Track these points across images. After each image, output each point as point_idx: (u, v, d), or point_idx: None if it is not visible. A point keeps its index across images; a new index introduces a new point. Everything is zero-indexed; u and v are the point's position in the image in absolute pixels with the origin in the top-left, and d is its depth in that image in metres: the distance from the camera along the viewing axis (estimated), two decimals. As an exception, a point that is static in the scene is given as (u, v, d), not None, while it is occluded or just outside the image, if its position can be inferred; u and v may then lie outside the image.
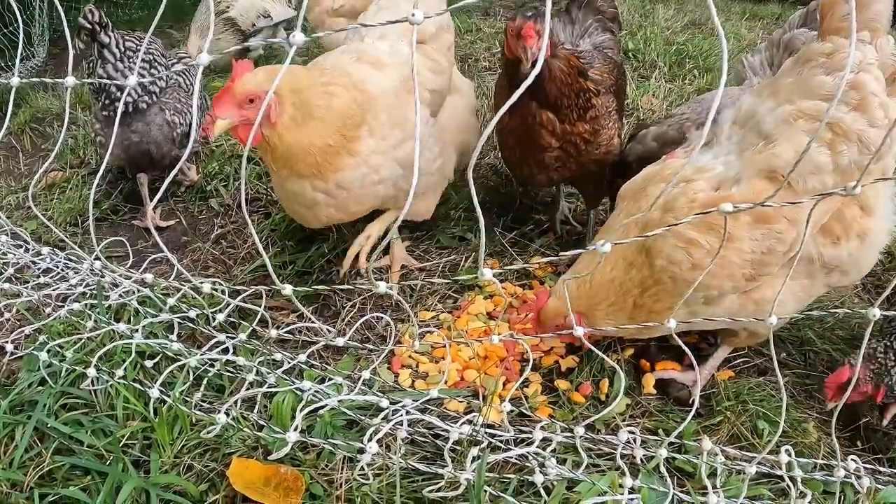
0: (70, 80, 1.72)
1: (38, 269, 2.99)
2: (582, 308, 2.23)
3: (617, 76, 2.84)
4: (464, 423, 2.16)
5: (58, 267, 2.98)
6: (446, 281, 1.70)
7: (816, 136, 1.90)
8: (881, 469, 2.13)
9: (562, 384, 2.39)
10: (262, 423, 2.17)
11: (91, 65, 3.12)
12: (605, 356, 1.91)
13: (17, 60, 2.03)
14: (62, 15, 1.74)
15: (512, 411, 2.24)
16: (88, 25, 2.97)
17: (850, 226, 2.05)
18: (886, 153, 1.98)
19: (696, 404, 1.97)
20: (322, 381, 2.36)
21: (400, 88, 2.49)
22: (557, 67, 2.51)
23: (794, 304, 2.17)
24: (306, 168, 2.30)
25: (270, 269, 1.60)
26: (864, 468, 2.08)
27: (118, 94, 3.01)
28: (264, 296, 2.64)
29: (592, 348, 1.87)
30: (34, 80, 2.06)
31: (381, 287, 1.55)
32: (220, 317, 2.33)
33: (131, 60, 3.03)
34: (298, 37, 1.33)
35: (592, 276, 2.19)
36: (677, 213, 2.01)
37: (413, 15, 1.31)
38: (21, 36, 1.98)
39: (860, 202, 2.05)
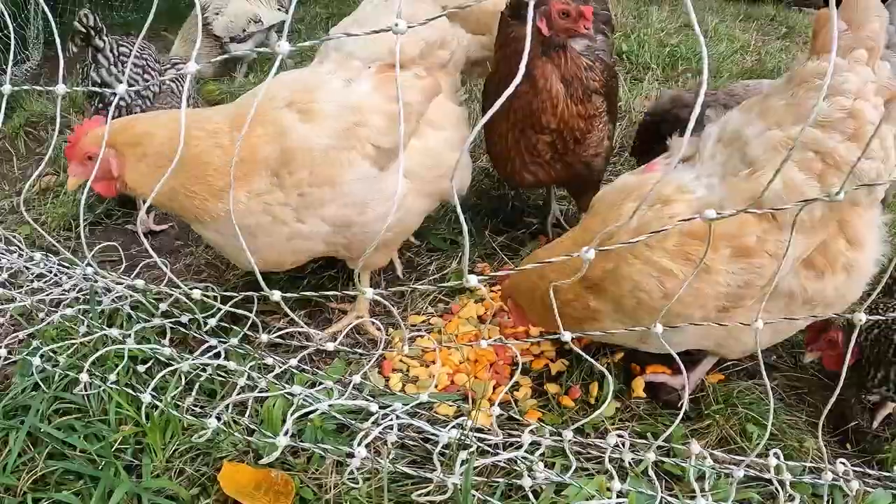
0: (60, 89, 1.73)
1: (32, 273, 2.99)
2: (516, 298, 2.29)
3: (607, 78, 2.84)
4: (453, 426, 2.17)
5: (51, 272, 2.98)
6: (432, 287, 1.70)
7: (805, 168, 1.84)
8: (870, 472, 2.14)
9: (551, 388, 2.40)
10: (252, 427, 2.17)
11: (85, 68, 3.13)
12: (593, 360, 1.92)
13: (10, 66, 2.04)
14: (52, 21, 1.75)
15: (501, 415, 2.25)
16: (83, 30, 2.98)
17: (835, 259, 1.96)
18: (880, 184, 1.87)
19: (686, 408, 1.98)
20: (313, 385, 2.37)
21: (332, 146, 2.22)
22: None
23: (771, 336, 2.13)
24: (185, 213, 2.28)
25: (259, 277, 1.61)
26: (854, 471, 2.08)
27: (112, 97, 3.02)
28: (255, 300, 2.65)
29: (580, 353, 1.88)
30: (25, 87, 2.07)
31: (369, 293, 1.57)
32: (212, 321, 2.34)
33: (125, 65, 3.04)
34: (284, 46, 1.34)
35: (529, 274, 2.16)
36: (654, 240, 1.91)
37: (396, 25, 1.23)
38: (13, 42, 1.99)
39: (847, 235, 1.97)
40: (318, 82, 2.33)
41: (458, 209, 1.28)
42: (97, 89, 1.79)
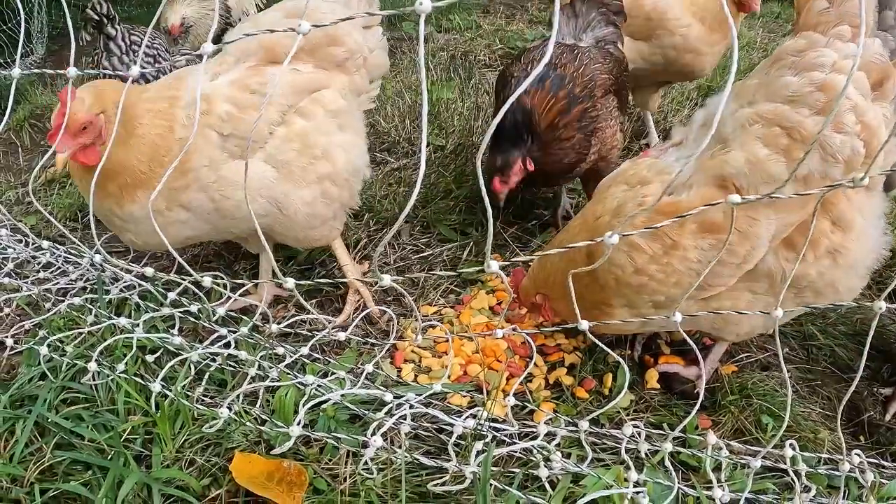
0: (72, 72, 1.71)
1: (39, 263, 2.97)
2: (541, 290, 2.26)
3: (617, 74, 2.82)
4: (468, 417, 2.15)
5: (58, 261, 2.96)
6: (451, 273, 1.69)
7: (771, 143, 1.80)
8: (885, 463, 2.12)
9: (566, 379, 2.38)
10: (264, 417, 2.15)
11: (95, 59, 3.13)
12: (609, 350, 1.91)
13: (19, 53, 2.02)
14: (65, 8, 1.73)
15: (516, 405, 2.23)
16: (96, 17, 2.97)
17: (817, 241, 1.90)
18: (857, 163, 1.77)
19: (701, 397, 1.96)
20: (325, 375, 2.35)
21: (186, 135, 2.23)
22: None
23: (760, 321, 2.10)
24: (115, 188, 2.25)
25: (273, 263, 1.60)
26: (868, 462, 2.07)
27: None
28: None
29: (597, 341, 1.86)
30: (35, 71, 2.05)
31: (386, 280, 1.54)
32: (221, 311, 2.32)
33: (136, 54, 3.03)
34: (207, 47, 1.31)
35: (546, 261, 2.20)
36: (626, 216, 1.93)
37: (300, 25, 1.29)
38: (22, 30, 1.96)
39: (832, 216, 1.90)
40: (186, 74, 2.42)
41: (482, 186, 1.25)
42: (110, 72, 1.76)
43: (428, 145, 3.83)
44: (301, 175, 2.39)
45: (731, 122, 1.90)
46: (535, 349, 2.35)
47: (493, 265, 1.44)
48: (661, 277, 1.94)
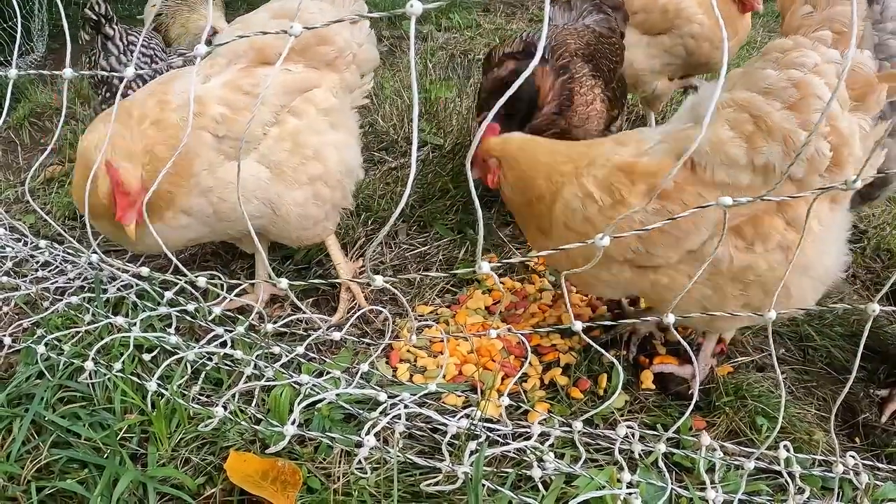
0: (68, 73, 1.72)
1: (37, 262, 2.98)
2: (505, 161, 2.29)
3: (593, 43, 2.88)
4: (461, 417, 2.16)
5: (56, 260, 2.97)
6: (444, 275, 1.69)
7: (736, 127, 1.83)
8: (880, 465, 2.12)
9: (561, 379, 2.39)
10: (259, 416, 2.16)
11: (92, 58, 3.13)
12: (604, 350, 1.91)
13: (16, 53, 2.02)
14: (61, 8, 1.73)
15: (510, 406, 2.23)
16: (94, 17, 2.97)
17: (767, 234, 1.91)
18: (821, 165, 1.79)
19: (696, 397, 1.96)
20: (320, 374, 2.35)
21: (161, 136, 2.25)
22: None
23: (696, 309, 2.06)
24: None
25: (266, 265, 1.60)
26: (863, 464, 2.07)
27: (119, 86, 3.01)
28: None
29: (591, 342, 1.87)
30: (31, 72, 2.05)
31: (378, 281, 1.55)
32: (217, 310, 2.33)
33: (134, 54, 3.04)
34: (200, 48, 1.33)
35: (527, 151, 2.25)
36: (596, 167, 2.04)
37: (291, 27, 1.30)
38: (20, 29, 1.97)
39: (787, 217, 1.91)
40: (175, 77, 2.44)
41: (473, 191, 1.26)
42: (106, 73, 1.77)
43: (425, 144, 3.83)
44: (293, 176, 2.40)
45: (708, 105, 1.92)
46: (529, 349, 2.35)
47: (485, 266, 1.45)
48: (603, 229, 1.89)
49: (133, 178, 2.09)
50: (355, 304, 2.74)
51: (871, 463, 2.12)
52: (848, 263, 2.06)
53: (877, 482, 2.03)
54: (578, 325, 1.72)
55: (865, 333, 1.62)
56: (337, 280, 2.09)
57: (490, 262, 1.46)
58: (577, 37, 2.84)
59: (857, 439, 2.29)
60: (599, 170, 2.03)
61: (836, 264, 2.02)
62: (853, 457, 2.07)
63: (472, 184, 1.29)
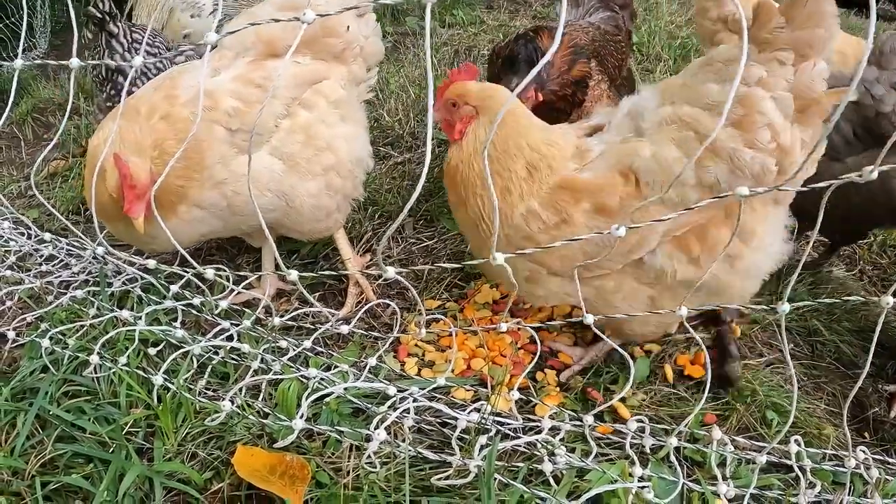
0: (75, 62, 1.69)
1: (41, 256, 2.97)
2: (479, 108, 2.07)
3: (594, 37, 2.87)
4: (471, 411, 2.14)
5: (60, 254, 2.96)
6: (456, 265, 1.67)
7: (681, 145, 1.81)
8: (890, 460, 2.12)
9: (575, 381, 2.36)
10: (267, 410, 2.15)
11: (96, 56, 3.11)
12: (616, 345, 1.90)
13: (21, 45, 2.01)
14: (69, 1, 1.72)
15: (520, 400, 2.22)
16: (98, 15, 2.96)
17: (713, 248, 1.89)
18: (768, 179, 1.77)
19: (703, 394, 1.94)
20: (328, 368, 2.34)
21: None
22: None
23: (628, 310, 2.05)
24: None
25: (277, 256, 1.58)
26: (874, 459, 2.06)
27: (124, 83, 2.99)
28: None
29: (603, 336, 1.85)
30: (37, 62, 2.04)
31: (390, 272, 1.53)
32: (224, 304, 2.31)
33: (138, 52, 3.02)
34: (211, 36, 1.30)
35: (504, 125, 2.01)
36: (540, 177, 1.95)
37: (304, 14, 1.27)
38: (24, 22, 1.96)
39: (733, 227, 1.83)
40: (183, 71, 2.41)
41: (488, 178, 1.24)
42: (112, 62, 1.75)
43: (432, 139, 3.81)
44: (307, 167, 2.39)
45: (651, 117, 1.91)
46: (539, 345, 2.33)
47: (500, 257, 1.43)
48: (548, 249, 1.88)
49: (142, 171, 2.08)
50: (363, 298, 2.72)
51: (881, 457, 2.11)
52: (790, 250, 2.06)
53: (887, 476, 2.02)
54: (590, 318, 1.71)
55: (879, 326, 1.61)
56: (346, 271, 2.07)
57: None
58: (583, 34, 2.83)
59: (866, 434, 2.28)
60: (542, 187, 1.96)
61: (779, 255, 2.02)
62: (864, 451, 2.06)
63: (487, 174, 1.27)
